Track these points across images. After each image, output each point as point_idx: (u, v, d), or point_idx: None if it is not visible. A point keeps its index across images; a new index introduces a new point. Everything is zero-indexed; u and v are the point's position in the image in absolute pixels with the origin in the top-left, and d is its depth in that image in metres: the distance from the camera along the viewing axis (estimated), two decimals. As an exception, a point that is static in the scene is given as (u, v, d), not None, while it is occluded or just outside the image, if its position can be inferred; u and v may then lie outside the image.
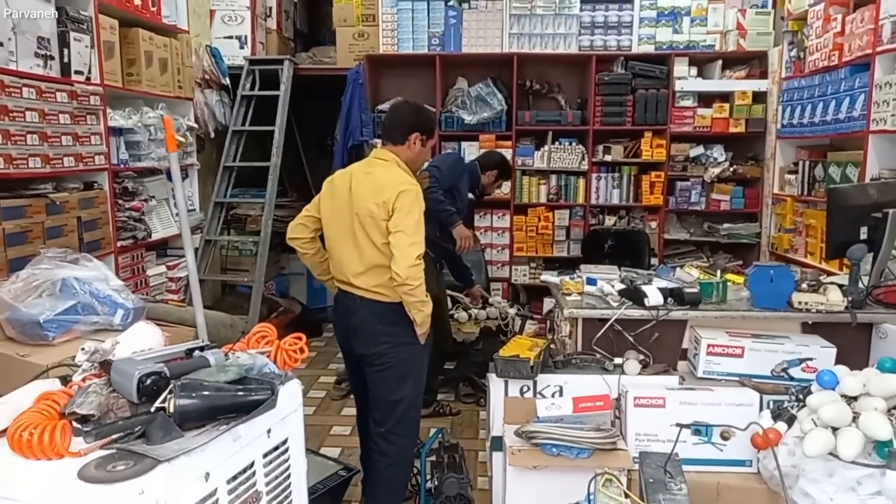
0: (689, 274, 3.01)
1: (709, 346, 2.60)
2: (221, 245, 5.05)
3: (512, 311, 4.13)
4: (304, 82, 5.19)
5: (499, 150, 4.22)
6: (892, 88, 3.02)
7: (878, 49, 3.13)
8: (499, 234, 4.69)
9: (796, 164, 4.07)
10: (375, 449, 2.59)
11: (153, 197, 3.97)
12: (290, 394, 1.49)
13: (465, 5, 4.58)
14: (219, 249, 5.11)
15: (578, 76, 4.81)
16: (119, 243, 3.59)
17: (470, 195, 3.74)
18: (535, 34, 4.54)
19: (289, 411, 1.48)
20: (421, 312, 2.42)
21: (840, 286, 2.85)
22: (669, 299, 2.77)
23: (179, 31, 4.31)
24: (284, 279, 5.74)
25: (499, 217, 4.68)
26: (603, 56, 4.50)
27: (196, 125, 4.47)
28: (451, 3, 4.58)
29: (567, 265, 4.66)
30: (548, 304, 4.57)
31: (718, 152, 4.50)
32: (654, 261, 4.46)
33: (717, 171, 4.46)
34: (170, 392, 1.25)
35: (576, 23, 4.50)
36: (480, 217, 4.71)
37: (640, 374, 2.61)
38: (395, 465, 2.59)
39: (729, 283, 2.87)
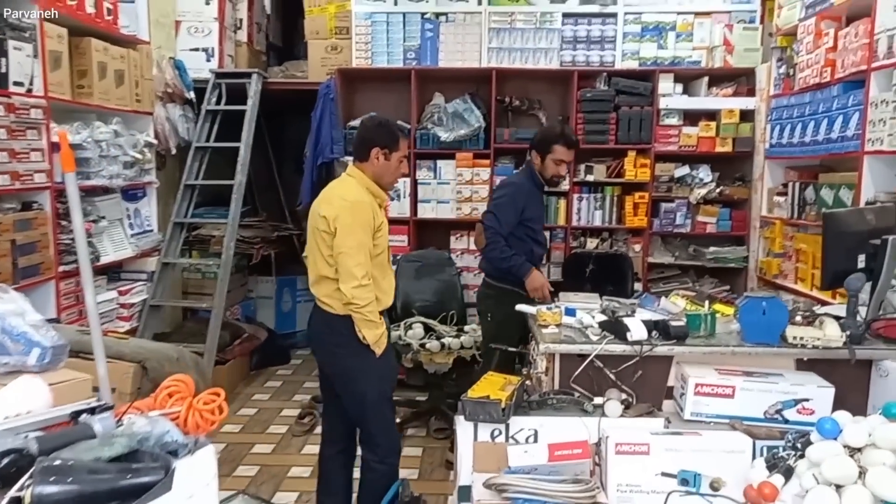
0: (675, 304, 2.80)
1: (697, 385, 2.37)
2: (183, 267, 4.78)
3: (488, 340, 3.89)
4: (280, 97, 4.99)
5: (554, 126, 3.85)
6: (889, 107, 2.84)
7: (874, 65, 2.95)
8: (475, 258, 4.45)
9: (786, 185, 3.88)
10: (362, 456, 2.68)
11: (103, 217, 3.71)
12: (200, 466, 1.24)
13: (443, 18, 4.39)
14: (180, 272, 4.84)
15: (560, 92, 4.62)
16: (61, 268, 3.32)
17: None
18: (515, 48, 4.35)
19: (197, 488, 1.23)
20: (371, 332, 2.47)
21: (836, 318, 2.65)
22: (654, 333, 2.55)
23: (139, 42, 4.08)
24: (251, 303, 5.48)
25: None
26: (585, 72, 4.31)
27: (156, 141, 4.22)
28: (427, 16, 4.39)
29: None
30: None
31: (704, 172, 4.31)
32: (638, 286, 4.25)
33: (703, 192, 4.27)
34: (30, 476, 1.00)
35: (557, 37, 4.32)
36: (457, 238, 4.49)
37: (622, 415, 2.38)
38: (371, 470, 2.64)
39: (718, 315, 2.66)
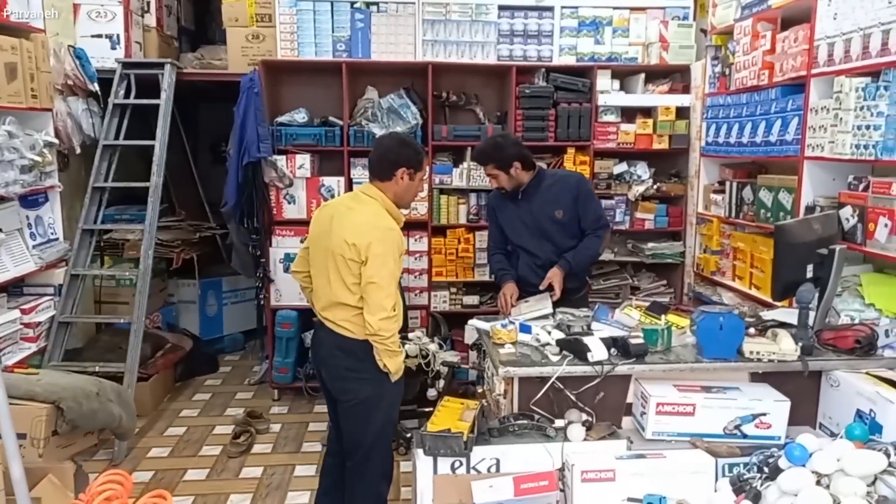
0: (629, 316, 2.75)
1: (658, 404, 2.35)
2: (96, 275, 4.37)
3: (433, 347, 3.76)
4: (194, 85, 4.60)
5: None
6: (829, 114, 2.87)
7: (814, 71, 2.98)
8: (416, 259, 4.31)
9: (722, 183, 3.93)
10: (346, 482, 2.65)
11: None
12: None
13: (374, 8, 4.14)
14: (91, 280, 4.43)
15: (497, 88, 4.49)
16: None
17: None
18: (451, 41, 4.18)
19: None
20: (393, 361, 2.46)
21: (781, 325, 2.68)
22: (613, 350, 2.49)
23: (33, 31, 3.63)
24: (173, 308, 5.12)
25: (416, 239, 4.29)
26: (523, 67, 4.20)
27: (56, 140, 3.79)
28: (357, 5, 4.14)
29: (489, 289, 4.37)
30: (469, 330, 4.23)
31: (642, 169, 4.31)
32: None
33: (641, 188, 4.27)
34: None
35: (494, 30, 4.17)
36: (395, 240, 4.31)
37: (584, 438, 2.32)
38: (356, 496, 2.61)
39: (673, 328, 2.63)
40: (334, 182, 4.16)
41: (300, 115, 4.16)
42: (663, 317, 2.67)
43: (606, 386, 2.44)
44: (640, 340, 2.48)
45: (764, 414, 2.35)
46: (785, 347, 2.40)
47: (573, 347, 2.48)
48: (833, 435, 2.36)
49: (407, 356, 3.65)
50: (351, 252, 2.36)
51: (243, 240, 4.23)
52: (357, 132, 4.12)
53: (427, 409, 3.84)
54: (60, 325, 3.76)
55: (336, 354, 2.52)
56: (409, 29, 4.14)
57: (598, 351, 2.41)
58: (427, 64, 4.09)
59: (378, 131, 4.08)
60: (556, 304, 3.04)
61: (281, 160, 4.08)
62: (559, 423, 2.38)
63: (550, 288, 3.13)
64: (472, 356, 4.23)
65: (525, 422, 2.38)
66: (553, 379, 2.40)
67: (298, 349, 4.31)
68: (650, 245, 4.35)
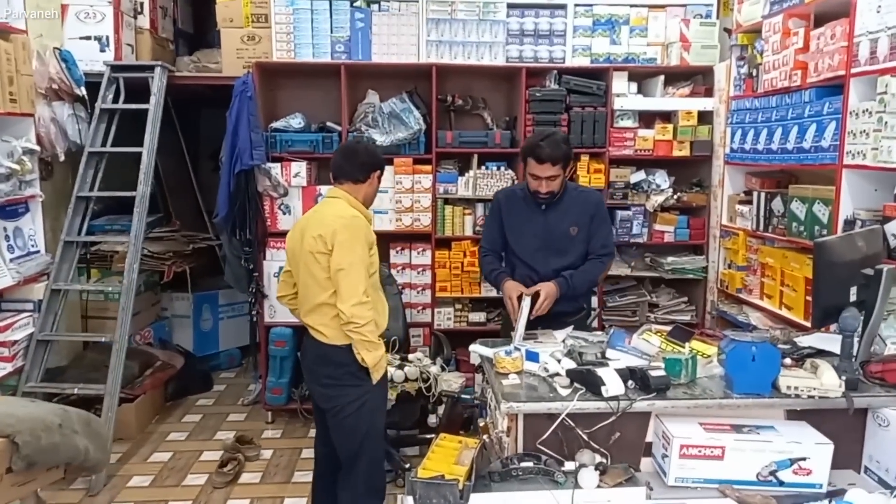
0: (649, 342, 2.47)
1: (682, 447, 2.06)
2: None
3: (434, 370, 3.50)
4: (193, 89, 4.40)
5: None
6: (872, 117, 2.58)
7: (854, 71, 2.69)
8: (418, 273, 4.04)
9: (748, 193, 3.64)
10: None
11: (-30, 243, 3.09)
12: None
13: (375, 7, 3.90)
14: (78, 295, 4.22)
15: (506, 91, 4.23)
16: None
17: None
18: (457, 42, 3.92)
19: None
20: (370, 354, 2.41)
21: (818, 352, 2.39)
22: (630, 383, 2.21)
23: (13, 31, 3.43)
24: (165, 323, 4.88)
25: (418, 252, 4.04)
26: (534, 69, 3.93)
27: (38, 147, 3.58)
28: (357, 4, 3.90)
29: (497, 306, 4.08)
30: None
31: (661, 178, 4.03)
32: (594, 300, 3.94)
33: (660, 199, 3.98)
34: None
35: (502, 30, 3.91)
36: (397, 253, 4.05)
37: (598, 485, 2.04)
38: None
39: (699, 357, 2.35)
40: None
41: (296, 121, 3.92)
42: (687, 344, 2.39)
43: (623, 422, 2.16)
44: (662, 372, 2.20)
45: (804, 458, 2.06)
46: (827, 382, 2.11)
47: (585, 380, 2.20)
48: (883, 483, 2.07)
49: (406, 379, 3.42)
50: (318, 244, 2.39)
51: (236, 252, 3.99)
52: (356, 138, 3.86)
53: (428, 436, 3.58)
54: (39, 343, 3.54)
55: (316, 362, 2.54)
56: (413, 29, 3.89)
57: (613, 384, 2.13)
58: (431, 66, 3.84)
59: (379, 137, 3.83)
60: (551, 326, 2.77)
61: (275, 168, 3.85)
62: (569, 465, 2.11)
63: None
64: (479, 379, 3.97)
65: (531, 465, 2.10)
66: (563, 416, 2.12)
67: (294, 369, 4.06)
68: (670, 259, 4.05)
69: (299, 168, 3.87)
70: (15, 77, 3.38)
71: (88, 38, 4.00)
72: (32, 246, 3.65)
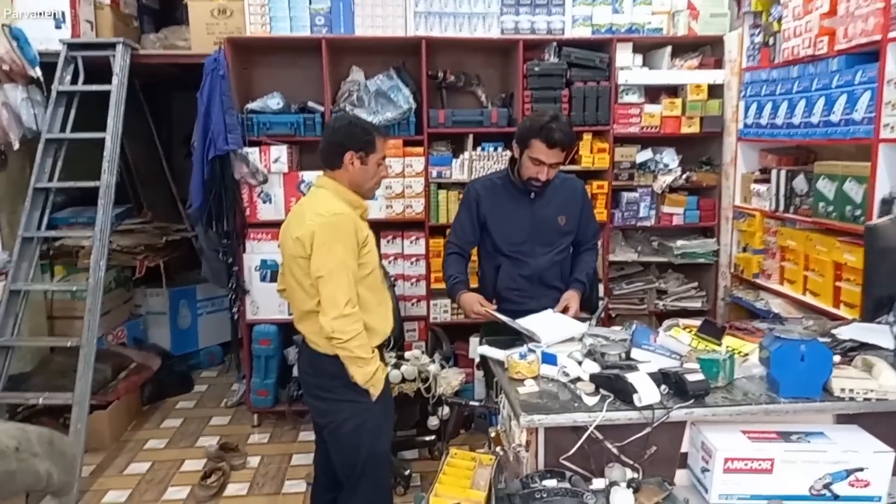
0: (678, 340, 2.23)
1: (726, 460, 1.83)
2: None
3: (433, 368, 3.24)
4: (162, 70, 4.04)
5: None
6: (914, 86, 2.34)
7: (892, 35, 2.44)
8: (412, 263, 3.77)
9: (764, 171, 3.40)
10: None
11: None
12: None
13: (357, -25, 3.58)
14: (43, 293, 3.89)
15: (502, 65, 3.94)
16: None
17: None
18: (447, 13, 3.62)
19: None
20: (360, 370, 2.14)
21: (862, 346, 2.17)
22: (664, 388, 1.97)
23: (-47, 4, 3.06)
24: (140, 321, 4.57)
25: (411, 241, 3.76)
26: (531, 41, 3.64)
27: (-12, 134, 3.24)
28: (337, -28, 3.57)
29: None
30: (475, 344, 3.70)
31: (669, 157, 3.78)
32: (600, 288, 3.68)
33: (668, 179, 3.74)
34: None
35: (496, 0, 3.61)
36: (388, 242, 3.77)
37: (632, 506, 1.81)
38: None
39: (736, 355, 2.11)
40: (315, 177, 3.60)
41: (274, 101, 3.60)
42: (722, 342, 2.15)
43: (656, 433, 1.92)
44: (699, 375, 1.96)
45: (860, 469, 1.83)
46: (887, 383, 1.89)
47: (614, 386, 1.95)
48: (948, 493, 1.85)
49: (404, 380, 3.16)
50: (297, 248, 2.11)
51: (212, 245, 3.68)
52: (341, 114, 3.55)
53: (427, 438, 3.34)
54: (-2, 350, 3.23)
55: (308, 371, 2.31)
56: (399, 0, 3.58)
57: (647, 392, 1.88)
58: (420, 39, 3.53)
59: (367, 118, 3.51)
60: None
61: (253, 153, 3.53)
62: (598, 482, 1.88)
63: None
64: (479, 375, 3.73)
65: (555, 484, 1.86)
66: (591, 429, 1.87)
67: (280, 368, 3.79)
68: (679, 243, 3.81)
69: (279, 153, 3.56)
70: (-42, 56, 3.02)
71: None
72: (-13, 243, 3.32)
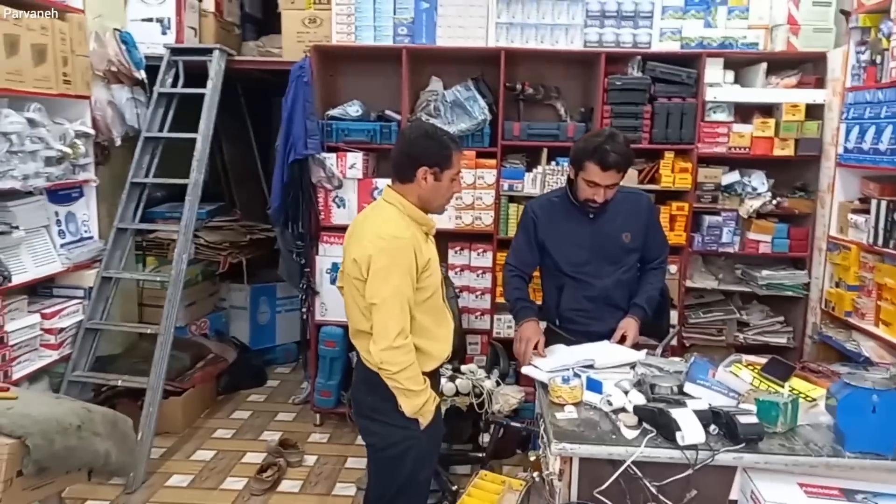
0: (739, 377, 2.06)
1: (777, 514, 1.67)
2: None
3: (488, 384, 3.19)
4: (261, 76, 4.23)
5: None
6: None
7: None
8: (478, 276, 3.73)
9: (864, 201, 3.12)
10: None
11: (15, 227, 3.02)
12: None
13: (442, -14, 3.61)
14: (135, 283, 4.16)
15: (583, 79, 3.84)
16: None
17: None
18: (530, 24, 3.57)
19: None
20: (409, 402, 2.05)
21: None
22: (713, 428, 1.83)
23: (69, 10, 3.35)
24: (222, 314, 4.78)
25: (478, 254, 3.72)
26: (614, 54, 3.53)
27: (93, 131, 3.50)
28: (423, -17, 3.61)
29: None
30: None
31: (759, 180, 3.54)
32: (674, 315, 3.50)
33: (756, 203, 3.50)
34: None
35: (581, 11, 3.53)
36: (455, 253, 3.76)
37: (669, 552, 1.69)
38: None
39: (801, 399, 1.93)
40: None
41: (353, 109, 3.68)
42: (786, 383, 1.98)
43: (701, 476, 1.79)
44: (753, 418, 1.80)
45: (939, 542, 1.62)
46: (974, 447, 1.66)
47: (657, 421, 1.84)
48: None
49: (458, 393, 3.12)
50: (355, 269, 2.03)
51: (288, 246, 3.80)
52: (418, 122, 3.58)
53: (480, 455, 3.27)
54: (88, 331, 3.47)
55: (360, 388, 2.22)
56: (481, 10, 3.57)
57: (690, 431, 1.76)
58: (500, 50, 3.51)
59: (418, 125, 3.53)
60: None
61: (330, 158, 3.62)
62: (633, 522, 1.76)
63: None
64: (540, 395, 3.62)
65: (586, 517, 1.76)
66: (627, 464, 1.77)
67: (344, 370, 3.84)
68: (765, 273, 3.56)
69: (355, 159, 3.63)
70: (70, 58, 3.30)
71: (150, 20, 3.91)
72: (86, 231, 3.59)
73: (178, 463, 3.47)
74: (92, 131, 3.49)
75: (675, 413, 1.79)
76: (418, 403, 2.05)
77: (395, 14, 3.63)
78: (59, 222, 3.41)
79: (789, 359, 2.26)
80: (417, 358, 2.05)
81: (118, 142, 3.71)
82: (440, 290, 2.18)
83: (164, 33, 3.92)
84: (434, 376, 2.21)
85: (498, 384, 3.18)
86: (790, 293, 3.56)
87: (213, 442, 3.73)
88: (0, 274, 2.87)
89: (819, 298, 3.40)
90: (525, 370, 2.34)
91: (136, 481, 3.19)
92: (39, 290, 3.43)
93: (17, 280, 3.01)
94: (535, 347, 2.42)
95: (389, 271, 1.97)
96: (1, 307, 2.94)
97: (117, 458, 2.45)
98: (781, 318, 3.66)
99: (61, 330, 3.34)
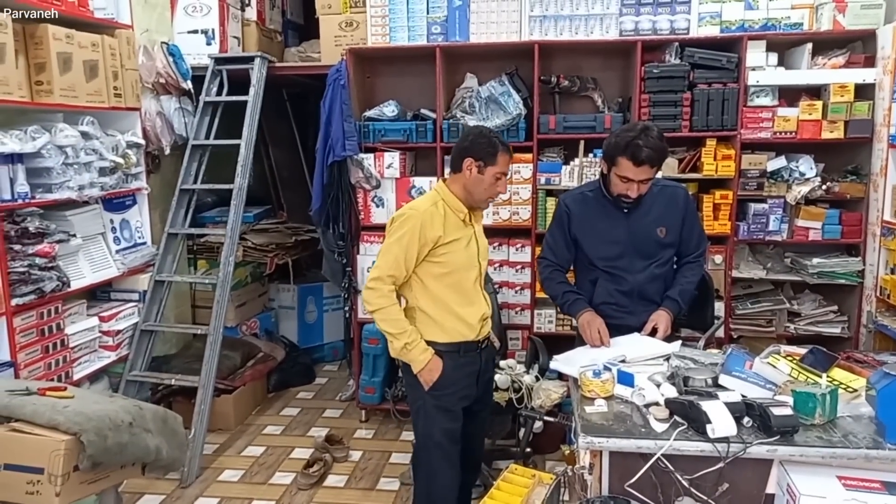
0: (776, 368, 2.01)
1: (813, 508, 1.62)
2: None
3: (528, 379, 3.18)
4: (303, 82, 4.36)
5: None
6: None
7: None
8: (517, 271, 3.73)
9: (920, 183, 2.97)
10: None
11: (73, 235, 3.18)
12: None
13: (474, -17, 3.61)
14: (188, 285, 4.33)
15: (619, 69, 3.78)
16: (14, 301, 2.80)
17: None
18: (563, 16, 3.54)
19: None
20: (391, 345, 2.35)
21: None
22: (746, 420, 1.79)
23: (117, 27, 3.51)
24: (271, 314, 4.92)
25: (517, 249, 3.72)
26: (651, 42, 3.46)
27: (143, 141, 3.66)
28: (455, -19, 3.63)
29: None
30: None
31: (806, 165, 3.41)
32: (719, 306, 3.42)
33: (804, 189, 3.38)
34: None
35: (616, 0, 3.48)
36: (494, 249, 3.76)
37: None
38: None
39: (840, 390, 1.86)
40: (426, 183, 3.69)
41: (389, 109, 3.73)
42: (825, 374, 1.91)
43: (735, 469, 1.75)
44: (788, 410, 1.75)
45: None
46: None
47: (688, 414, 1.81)
48: None
49: (497, 388, 3.13)
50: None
51: (330, 246, 3.89)
52: (451, 126, 3.61)
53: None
54: (143, 332, 3.63)
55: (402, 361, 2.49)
56: (514, 4, 3.56)
57: (721, 423, 1.72)
58: (533, 44, 3.49)
59: (475, 124, 3.55)
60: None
61: (368, 159, 3.69)
62: (665, 516, 1.74)
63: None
64: (573, 389, 3.59)
65: (617, 510, 1.75)
66: (656, 457, 1.75)
67: (387, 367, 3.90)
68: (815, 261, 3.43)
69: (392, 159, 3.68)
70: (120, 72, 3.46)
71: (196, 31, 4.05)
72: (139, 238, 3.76)
73: (229, 458, 3.60)
74: (142, 141, 3.65)
75: (706, 405, 1.75)
76: (398, 347, 2.30)
77: (428, 13, 3.66)
78: (113, 229, 3.58)
79: (845, 349, 2.18)
80: (428, 326, 2.33)
81: (168, 150, 3.87)
82: (468, 273, 2.38)
83: (208, 44, 4.06)
84: (457, 353, 2.37)
85: (537, 379, 3.17)
86: (843, 281, 3.42)
87: (263, 438, 3.85)
88: (59, 280, 3.03)
89: (874, 286, 3.25)
90: (554, 365, 2.33)
91: (190, 476, 3.32)
92: (97, 294, 3.62)
93: (75, 285, 3.17)
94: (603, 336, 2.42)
95: (398, 230, 2.29)
96: (61, 311, 3.11)
97: (168, 454, 2.56)
98: (835, 308, 3.53)
99: (118, 332, 3.51)
